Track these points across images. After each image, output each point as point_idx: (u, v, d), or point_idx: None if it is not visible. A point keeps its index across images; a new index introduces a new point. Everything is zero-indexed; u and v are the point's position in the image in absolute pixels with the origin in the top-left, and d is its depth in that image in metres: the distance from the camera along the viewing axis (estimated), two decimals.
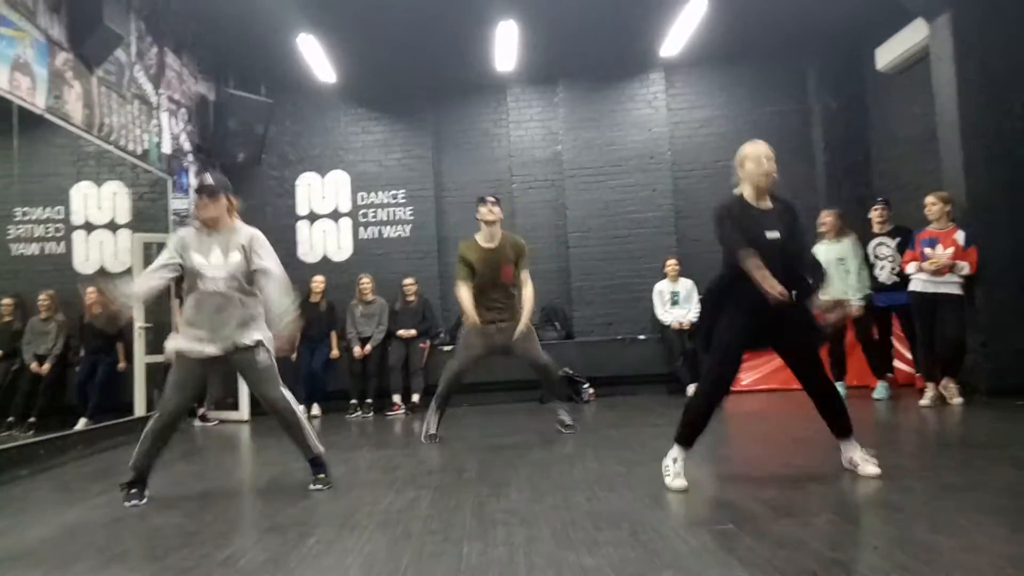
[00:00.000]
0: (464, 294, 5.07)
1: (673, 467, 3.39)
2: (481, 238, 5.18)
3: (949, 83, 6.30)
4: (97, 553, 2.82)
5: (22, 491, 4.32)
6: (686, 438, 3.45)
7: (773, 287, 3.17)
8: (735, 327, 3.33)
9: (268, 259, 3.71)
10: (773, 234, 3.31)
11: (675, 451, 3.44)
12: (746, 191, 3.46)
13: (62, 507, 3.78)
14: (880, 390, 6.47)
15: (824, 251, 6.48)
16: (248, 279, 3.69)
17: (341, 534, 2.90)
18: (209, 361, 3.64)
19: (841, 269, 6.45)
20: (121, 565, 2.68)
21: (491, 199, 5.19)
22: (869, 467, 3.32)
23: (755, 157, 3.41)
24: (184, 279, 3.72)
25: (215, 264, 3.63)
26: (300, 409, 3.85)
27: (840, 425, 3.44)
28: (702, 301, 3.58)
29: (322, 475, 3.80)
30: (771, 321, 3.30)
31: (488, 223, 5.14)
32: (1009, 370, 5.92)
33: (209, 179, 3.75)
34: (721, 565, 2.29)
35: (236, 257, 3.65)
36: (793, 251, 3.37)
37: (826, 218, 6.75)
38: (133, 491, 3.63)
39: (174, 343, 3.68)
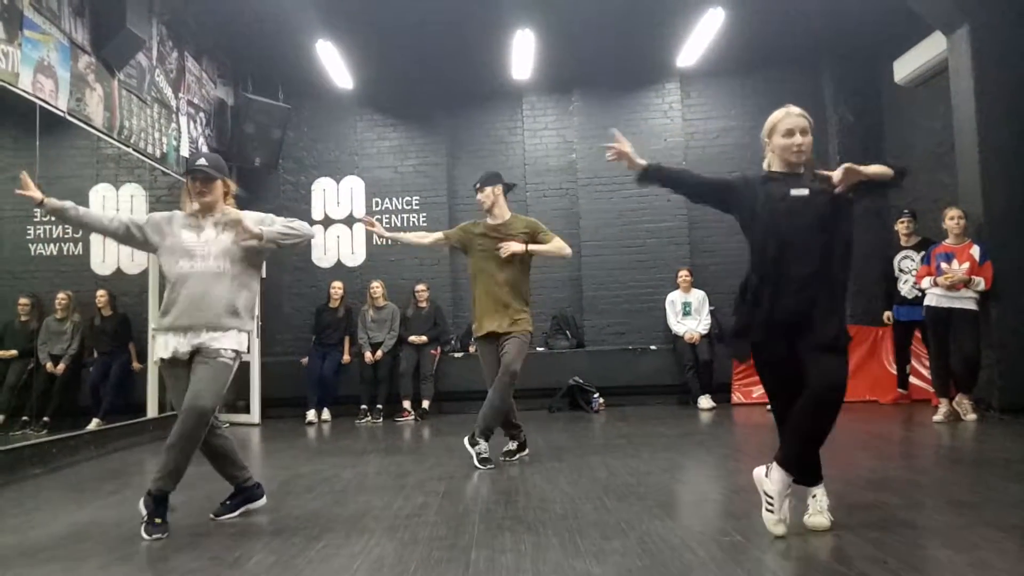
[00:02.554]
0: (415, 238, 5.11)
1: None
2: (487, 219, 4.77)
3: (967, 97, 6.26)
4: (107, 552, 2.84)
5: (35, 489, 4.36)
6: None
7: None
8: (762, 375, 2.96)
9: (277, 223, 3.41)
10: (800, 191, 2.77)
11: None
12: (774, 163, 2.96)
13: (74, 506, 3.81)
14: None
15: None
16: (240, 261, 3.34)
17: (349, 538, 2.91)
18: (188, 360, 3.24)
19: None
20: (131, 565, 2.71)
21: (476, 185, 4.79)
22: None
23: (784, 128, 2.86)
24: (163, 264, 3.35)
25: (206, 240, 3.30)
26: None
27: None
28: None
29: (159, 520, 3.06)
30: (788, 344, 2.76)
31: (486, 210, 4.74)
32: (1023, 387, 5.85)
33: (203, 160, 3.36)
34: None
35: (229, 238, 3.32)
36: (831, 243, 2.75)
37: None
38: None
39: (156, 352, 3.40)
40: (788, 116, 2.88)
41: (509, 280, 4.60)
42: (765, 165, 3.03)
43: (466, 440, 4.54)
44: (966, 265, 5.70)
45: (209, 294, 3.23)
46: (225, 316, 3.25)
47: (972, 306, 5.70)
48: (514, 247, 4.54)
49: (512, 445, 4.72)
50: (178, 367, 3.25)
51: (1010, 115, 6.09)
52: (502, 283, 4.59)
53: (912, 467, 4.25)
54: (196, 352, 3.22)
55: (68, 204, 3.32)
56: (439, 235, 4.96)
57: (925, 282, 5.90)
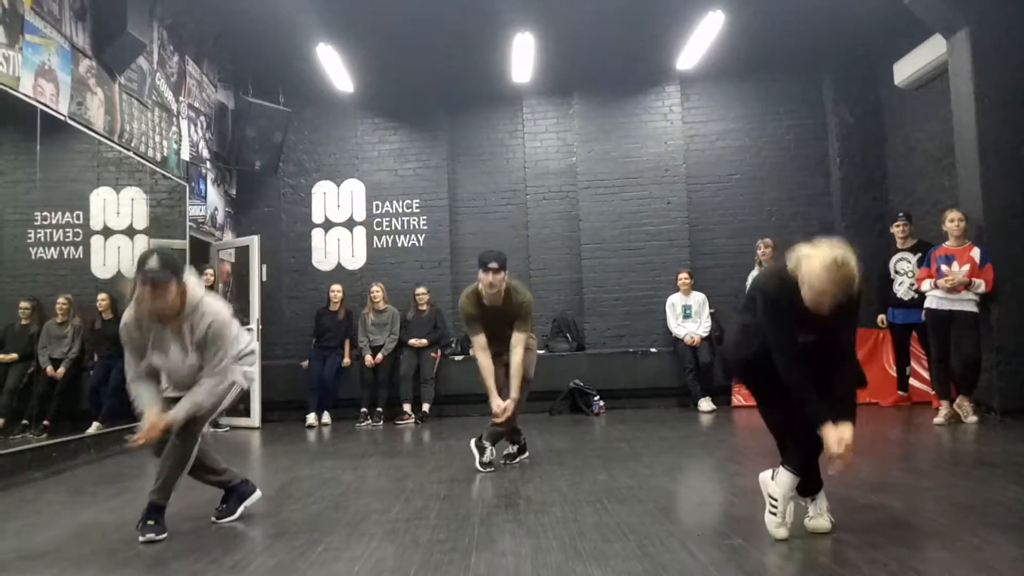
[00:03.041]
0: (483, 360, 4.46)
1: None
2: (485, 294, 4.45)
3: (967, 99, 6.26)
4: (108, 556, 2.84)
5: (35, 493, 4.36)
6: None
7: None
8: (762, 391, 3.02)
9: (223, 359, 3.18)
10: (808, 337, 2.70)
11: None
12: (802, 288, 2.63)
13: (74, 510, 3.81)
14: None
15: None
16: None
17: (350, 542, 2.91)
18: None
19: None
20: (130, 569, 2.70)
21: (493, 266, 4.33)
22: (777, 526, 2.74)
23: (820, 290, 2.56)
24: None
25: (175, 362, 3.17)
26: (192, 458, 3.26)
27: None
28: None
29: (151, 522, 3.08)
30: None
31: (489, 290, 4.40)
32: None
33: (153, 262, 2.98)
34: None
35: (196, 358, 3.17)
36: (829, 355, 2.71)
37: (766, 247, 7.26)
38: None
39: None
40: (823, 277, 2.55)
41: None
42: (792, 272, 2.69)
43: (473, 442, 4.54)
44: (966, 267, 5.70)
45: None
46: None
47: (972, 308, 5.70)
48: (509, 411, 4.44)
49: (512, 448, 4.72)
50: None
51: (1010, 117, 6.09)
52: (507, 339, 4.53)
53: (913, 470, 4.25)
54: None
55: (149, 404, 3.19)
56: (483, 341, 4.51)
57: (925, 284, 5.89)
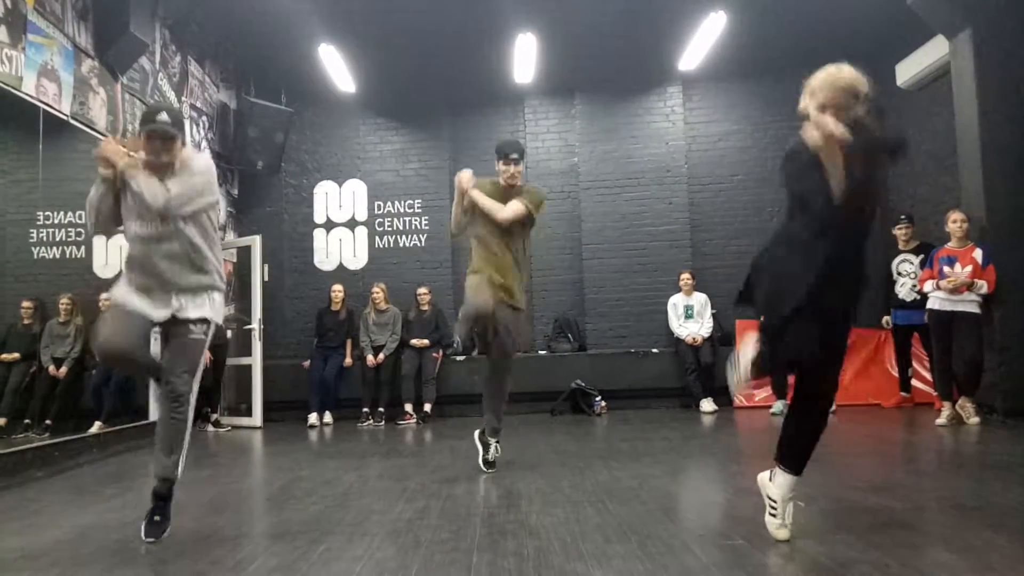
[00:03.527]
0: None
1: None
2: (498, 182, 4.45)
3: (970, 100, 6.26)
4: (110, 556, 2.84)
5: (37, 492, 4.36)
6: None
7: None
8: (805, 338, 2.51)
9: (198, 191, 3.08)
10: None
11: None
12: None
13: (76, 509, 3.81)
14: (778, 405, 6.80)
15: None
16: (202, 218, 3.12)
17: (351, 542, 2.91)
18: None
19: None
20: (133, 568, 2.71)
21: (514, 156, 4.36)
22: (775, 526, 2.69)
23: (829, 85, 2.56)
24: (125, 223, 3.11)
25: (152, 193, 3.00)
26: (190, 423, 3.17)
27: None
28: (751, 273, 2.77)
29: (158, 517, 3.04)
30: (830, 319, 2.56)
31: (507, 183, 4.39)
32: None
33: (164, 116, 3.00)
34: None
35: (176, 188, 3.04)
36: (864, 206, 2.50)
37: None
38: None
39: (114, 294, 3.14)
40: (840, 72, 2.59)
41: (513, 245, 4.39)
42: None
43: (476, 434, 4.47)
44: (969, 268, 5.70)
45: (177, 259, 3.08)
46: (195, 283, 3.10)
47: (975, 309, 5.69)
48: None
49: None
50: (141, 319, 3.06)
51: (1013, 118, 6.09)
52: (507, 238, 4.36)
53: (915, 471, 4.24)
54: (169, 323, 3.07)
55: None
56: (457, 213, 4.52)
57: (928, 285, 5.89)
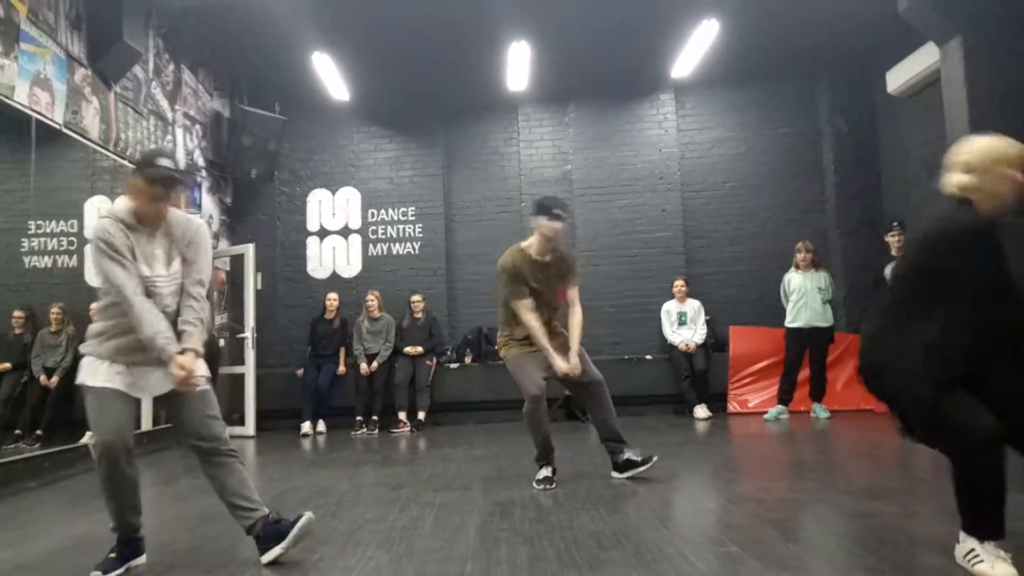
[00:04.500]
0: (534, 321, 4.11)
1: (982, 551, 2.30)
2: (533, 248, 4.19)
3: (960, 107, 6.29)
4: None
5: (29, 503, 4.33)
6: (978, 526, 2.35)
7: None
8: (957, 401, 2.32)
9: (206, 269, 2.88)
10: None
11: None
12: (985, 206, 2.36)
13: (68, 520, 3.79)
14: (772, 411, 7.03)
15: (802, 280, 7.15)
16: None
17: (344, 551, 2.90)
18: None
19: (819, 299, 7.08)
20: None
21: (560, 213, 4.13)
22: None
23: (1007, 158, 2.38)
24: (111, 288, 2.72)
25: (158, 276, 2.76)
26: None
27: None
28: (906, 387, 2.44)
29: (274, 544, 2.76)
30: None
31: (548, 240, 4.17)
32: None
33: (169, 161, 2.78)
34: None
35: (178, 265, 2.82)
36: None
37: (802, 250, 7.29)
38: (111, 556, 2.75)
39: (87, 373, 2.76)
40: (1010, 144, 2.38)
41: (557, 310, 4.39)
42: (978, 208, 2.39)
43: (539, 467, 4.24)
44: None
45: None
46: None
47: None
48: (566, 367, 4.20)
49: (634, 455, 4.28)
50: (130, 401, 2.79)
51: (1002, 124, 6.09)
52: (553, 309, 4.36)
53: (908, 476, 4.25)
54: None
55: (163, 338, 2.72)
56: (533, 313, 4.18)
57: None
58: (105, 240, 2.67)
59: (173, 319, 2.78)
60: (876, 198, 8.37)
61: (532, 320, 4.12)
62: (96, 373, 2.73)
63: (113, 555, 2.74)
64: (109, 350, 2.74)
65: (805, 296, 7.06)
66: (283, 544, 2.75)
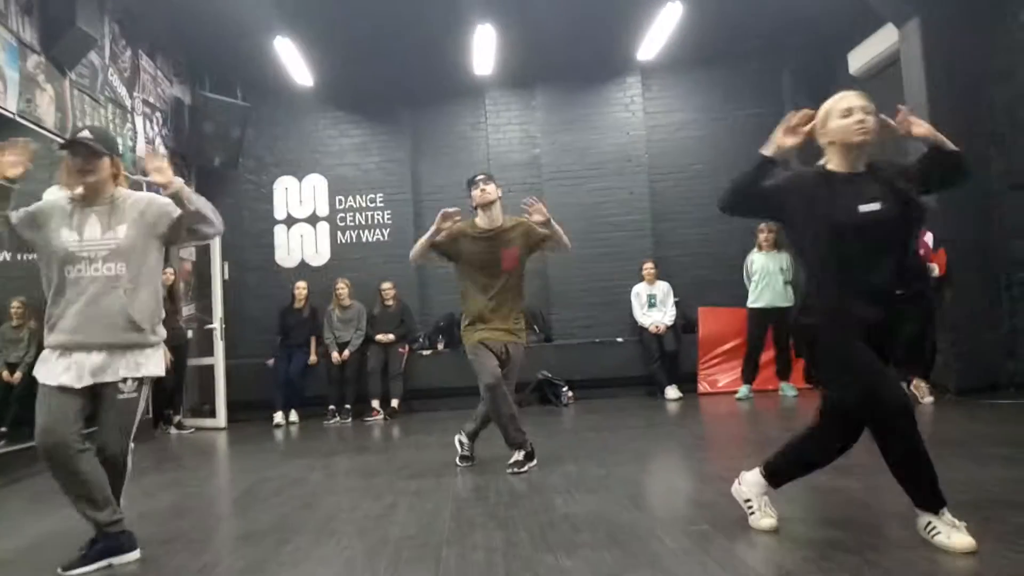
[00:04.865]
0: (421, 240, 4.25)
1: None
2: (479, 222, 4.31)
3: (919, 87, 6.41)
4: None
5: None
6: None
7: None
8: (851, 350, 2.42)
9: (176, 211, 2.86)
10: (871, 206, 2.42)
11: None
12: (831, 161, 2.62)
13: (34, 518, 3.73)
14: (743, 390, 7.14)
15: (764, 260, 7.20)
16: (142, 263, 2.82)
17: (319, 541, 2.89)
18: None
19: (780, 279, 7.13)
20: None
21: (481, 176, 4.34)
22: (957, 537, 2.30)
23: (842, 109, 2.56)
24: (44, 270, 2.81)
25: (90, 240, 2.74)
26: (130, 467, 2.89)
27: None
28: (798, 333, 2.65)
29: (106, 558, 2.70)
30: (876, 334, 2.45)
31: (485, 205, 4.28)
32: (977, 368, 6.04)
33: (86, 132, 2.79)
34: (697, 564, 2.32)
35: (123, 232, 2.78)
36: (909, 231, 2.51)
37: (765, 231, 7.34)
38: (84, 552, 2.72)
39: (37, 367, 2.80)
40: (843, 98, 2.58)
41: (508, 287, 4.28)
42: (821, 163, 2.68)
43: (456, 438, 4.48)
44: (920, 252, 5.85)
45: (99, 302, 2.72)
46: (123, 334, 2.76)
47: (927, 293, 5.85)
48: (539, 217, 4.25)
49: (519, 455, 4.12)
50: (68, 394, 2.70)
51: (960, 104, 6.25)
52: (502, 279, 4.25)
53: (873, 451, 4.33)
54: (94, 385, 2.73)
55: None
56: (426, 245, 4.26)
57: None
58: (23, 214, 2.78)
59: (113, 283, 2.75)
60: None
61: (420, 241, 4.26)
62: (43, 365, 2.76)
63: (81, 551, 2.69)
64: (55, 335, 2.74)
65: (768, 277, 7.16)
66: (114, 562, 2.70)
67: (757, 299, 7.20)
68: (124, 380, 2.75)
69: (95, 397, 2.76)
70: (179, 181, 2.80)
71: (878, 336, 2.43)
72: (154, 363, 2.86)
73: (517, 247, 4.29)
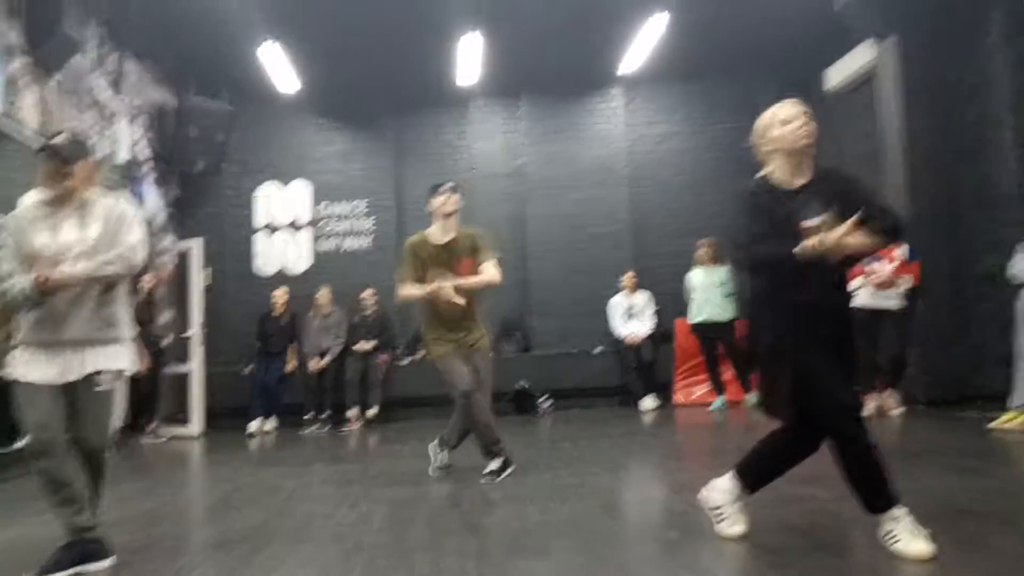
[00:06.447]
0: (408, 288, 4.23)
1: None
2: (435, 232, 4.36)
3: (894, 102, 6.55)
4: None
5: None
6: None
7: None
8: (809, 360, 2.47)
9: (134, 236, 2.89)
10: (812, 222, 2.44)
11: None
12: (777, 169, 2.64)
13: (4, 523, 3.71)
14: (717, 402, 7.16)
15: (704, 276, 7.27)
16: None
17: (293, 548, 2.91)
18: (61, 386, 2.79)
19: (719, 293, 7.18)
20: None
21: (450, 184, 4.35)
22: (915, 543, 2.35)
23: (782, 117, 2.61)
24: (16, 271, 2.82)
25: (65, 243, 2.81)
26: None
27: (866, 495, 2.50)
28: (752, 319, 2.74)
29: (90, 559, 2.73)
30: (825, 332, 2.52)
31: (447, 215, 4.32)
32: (946, 380, 6.15)
33: (61, 138, 2.87)
34: (663, 571, 2.37)
35: (96, 231, 2.84)
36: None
37: (704, 246, 7.42)
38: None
39: (13, 367, 2.83)
40: (783, 106, 2.64)
41: (467, 295, 4.26)
42: (763, 174, 2.72)
43: (431, 446, 4.45)
44: (894, 264, 5.95)
45: (78, 302, 2.80)
46: (99, 331, 2.85)
47: (898, 305, 5.96)
48: (450, 294, 4.11)
49: (495, 464, 4.13)
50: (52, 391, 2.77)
51: (934, 121, 6.39)
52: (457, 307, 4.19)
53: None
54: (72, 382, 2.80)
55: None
56: (411, 286, 4.28)
57: (856, 282, 6.13)
58: (2, 239, 2.88)
59: (88, 283, 2.81)
60: None
61: (410, 289, 4.23)
62: (20, 364, 2.80)
63: (54, 557, 2.67)
64: (33, 334, 2.80)
65: (707, 292, 7.25)
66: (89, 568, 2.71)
67: (698, 314, 7.29)
68: (99, 372, 2.82)
69: (72, 394, 2.81)
70: (71, 271, 2.76)
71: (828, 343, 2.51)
72: (127, 358, 2.93)
73: (471, 258, 4.33)
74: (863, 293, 6.04)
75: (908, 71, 6.50)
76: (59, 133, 2.93)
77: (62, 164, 2.82)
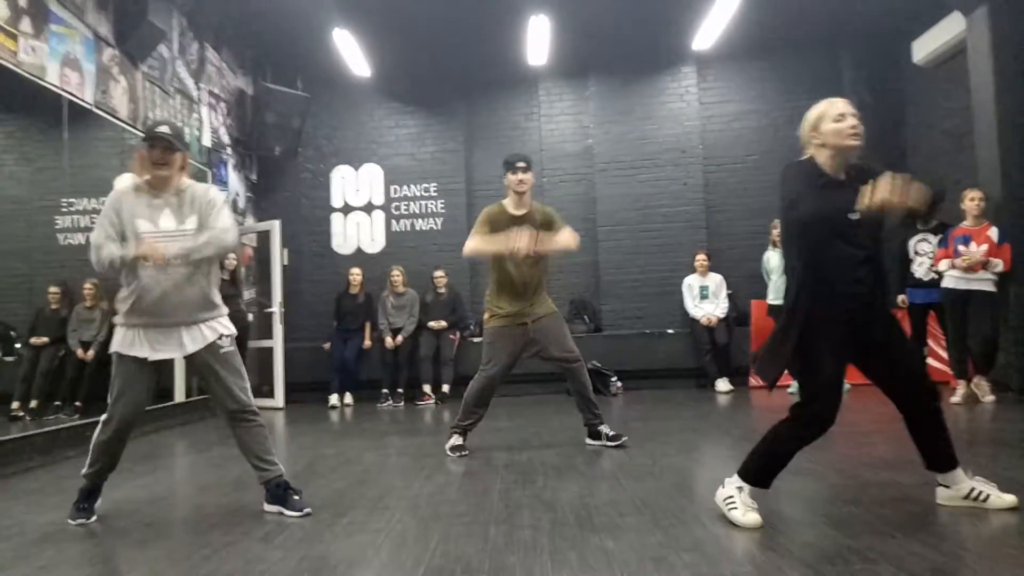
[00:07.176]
0: (476, 240, 4.34)
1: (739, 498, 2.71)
2: (510, 204, 4.48)
3: (986, 77, 6.21)
4: (145, 528, 2.97)
5: (69, 470, 4.49)
6: (756, 476, 2.74)
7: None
8: (827, 351, 2.60)
9: (224, 220, 3.09)
10: (855, 215, 2.51)
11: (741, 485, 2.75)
12: (820, 157, 2.68)
13: (108, 486, 3.92)
14: (794, 386, 6.78)
15: (780, 257, 6.90)
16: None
17: (372, 515, 3.01)
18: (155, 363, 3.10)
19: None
20: (168, 539, 2.83)
21: (522, 164, 4.44)
22: (997, 496, 2.66)
23: (836, 113, 2.64)
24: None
25: (166, 231, 3.01)
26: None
27: (939, 456, 2.73)
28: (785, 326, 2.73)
29: (295, 499, 3.12)
30: (861, 330, 2.65)
31: (519, 194, 4.45)
32: None
33: (165, 127, 3.06)
34: (740, 550, 2.36)
35: (193, 222, 3.05)
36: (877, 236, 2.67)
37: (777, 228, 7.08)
38: (83, 506, 3.14)
39: (114, 343, 3.12)
40: (834, 103, 2.69)
41: (536, 267, 4.47)
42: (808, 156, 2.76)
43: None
44: (984, 247, 5.69)
45: (181, 290, 3.03)
46: (201, 313, 3.10)
47: (990, 288, 5.69)
48: (527, 243, 4.23)
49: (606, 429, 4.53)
50: (133, 365, 3.07)
51: None
52: (528, 271, 4.42)
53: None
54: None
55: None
56: (482, 239, 4.41)
57: (943, 264, 5.89)
58: (103, 211, 3.08)
59: (190, 274, 3.04)
60: (900, 170, 8.14)
61: (480, 242, 4.33)
62: (122, 341, 3.07)
63: (84, 505, 3.13)
64: (130, 316, 3.05)
65: (774, 274, 7.04)
66: (285, 512, 3.08)
67: (777, 296, 7.08)
68: (221, 337, 3.12)
69: (201, 374, 3.15)
70: (171, 250, 2.97)
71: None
72: (231, 327, 3.22)
73: (545, 231, 4.45)
74: (952, 276, 5.80)
75: (1000, 43, 6.14)
76: (162, 123, 3.12)
77: (164, 153, 3.03)
